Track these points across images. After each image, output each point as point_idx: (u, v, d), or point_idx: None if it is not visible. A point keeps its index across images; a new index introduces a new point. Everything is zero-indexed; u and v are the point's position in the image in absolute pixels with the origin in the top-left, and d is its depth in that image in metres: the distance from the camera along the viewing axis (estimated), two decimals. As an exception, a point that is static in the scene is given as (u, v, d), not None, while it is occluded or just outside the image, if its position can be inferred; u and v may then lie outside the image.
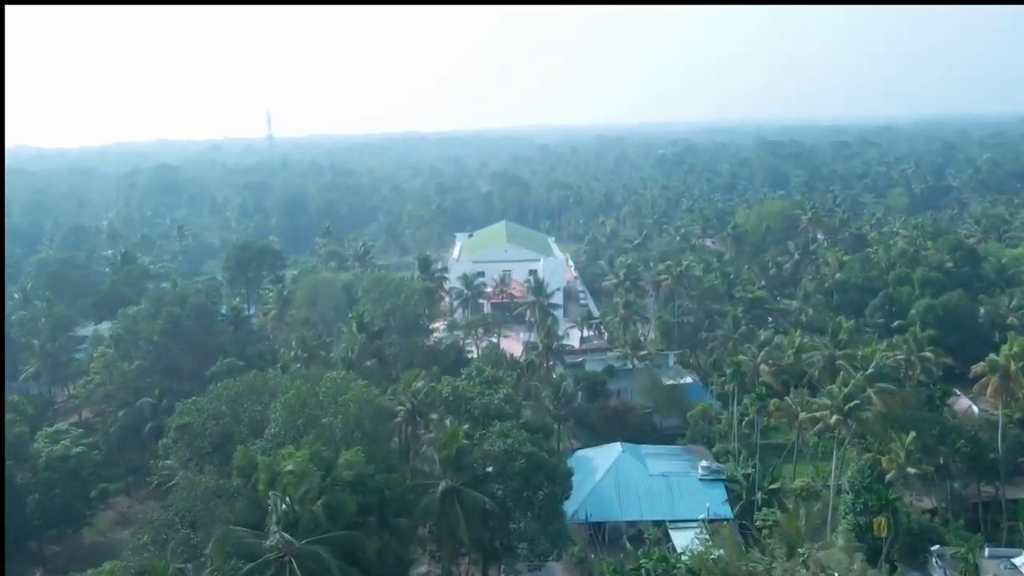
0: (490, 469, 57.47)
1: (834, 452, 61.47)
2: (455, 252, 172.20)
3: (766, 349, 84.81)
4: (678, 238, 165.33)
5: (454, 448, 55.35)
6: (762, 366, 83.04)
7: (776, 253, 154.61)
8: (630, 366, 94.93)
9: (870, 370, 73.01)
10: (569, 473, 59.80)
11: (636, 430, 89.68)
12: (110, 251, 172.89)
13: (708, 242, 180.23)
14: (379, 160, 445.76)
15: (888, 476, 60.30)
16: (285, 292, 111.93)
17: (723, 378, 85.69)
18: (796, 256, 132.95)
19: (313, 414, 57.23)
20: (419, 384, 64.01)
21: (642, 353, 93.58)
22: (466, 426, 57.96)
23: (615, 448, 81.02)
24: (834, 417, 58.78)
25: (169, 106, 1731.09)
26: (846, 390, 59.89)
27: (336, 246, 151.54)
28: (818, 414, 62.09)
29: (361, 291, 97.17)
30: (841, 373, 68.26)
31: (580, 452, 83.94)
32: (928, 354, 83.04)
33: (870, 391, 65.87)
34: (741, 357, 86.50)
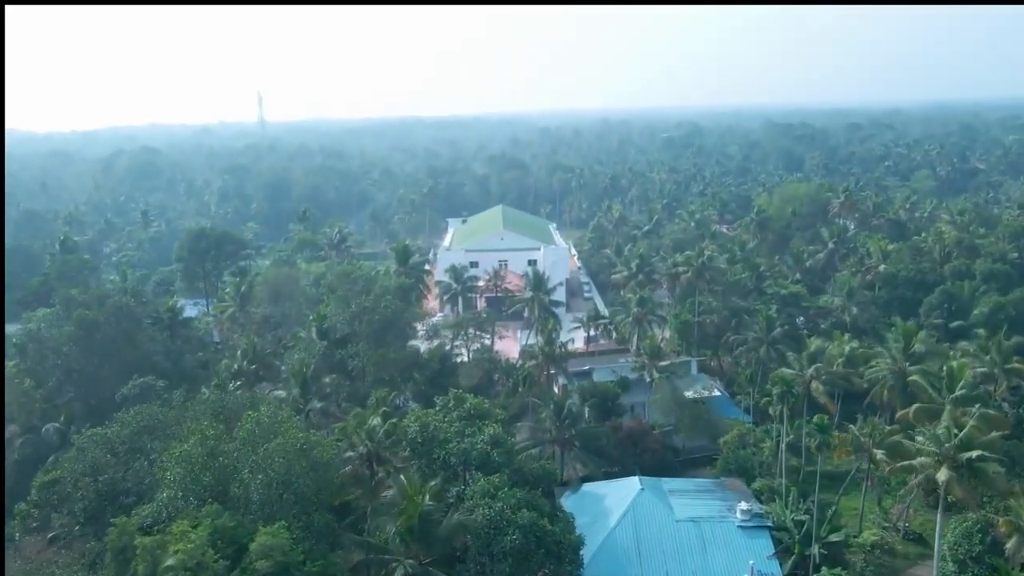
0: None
1: (938, 514, 45.77)
2: (446, 240, 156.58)
3: (818, 364, 68.84)
4: (692, 224, 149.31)
5: (416, 515, 39.89)
6: (814, 383, 67.24)
7: (802, 241, 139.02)
8: (648, 379, 79.11)
9: (958, 391, 57.46)
10: (579, 544, 44.34)
11: (655, 457, 74.35)
12: (75, 239, 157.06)
13: (723, 228, 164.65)
14: (374, 144, 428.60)
15: (1008, 545, 44.65)
16: (243, 288, 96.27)
17: (767, 398, 70.04)
18: (830, 245, 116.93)
19: (229, 467, 41.64)
20: (375, 421, 48.28)
21: (663, 364, 77.76)
22: (434, 482, 42.39)
23: (632, 485, 65.30)
24: (943, 472, 42.98)
25: (165, 91, 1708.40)
26: (960, 434, 43.93)
27: (308, 234, 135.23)
28: (916, 463, 46.11)
29: (324, 288, 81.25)
30: (949, 410, 51.99)
31: (588, 487, 68.28)
32: (1019, 366, 67.32)
33: (969, 422, 49.88)
34: (785, 371, 70.83)
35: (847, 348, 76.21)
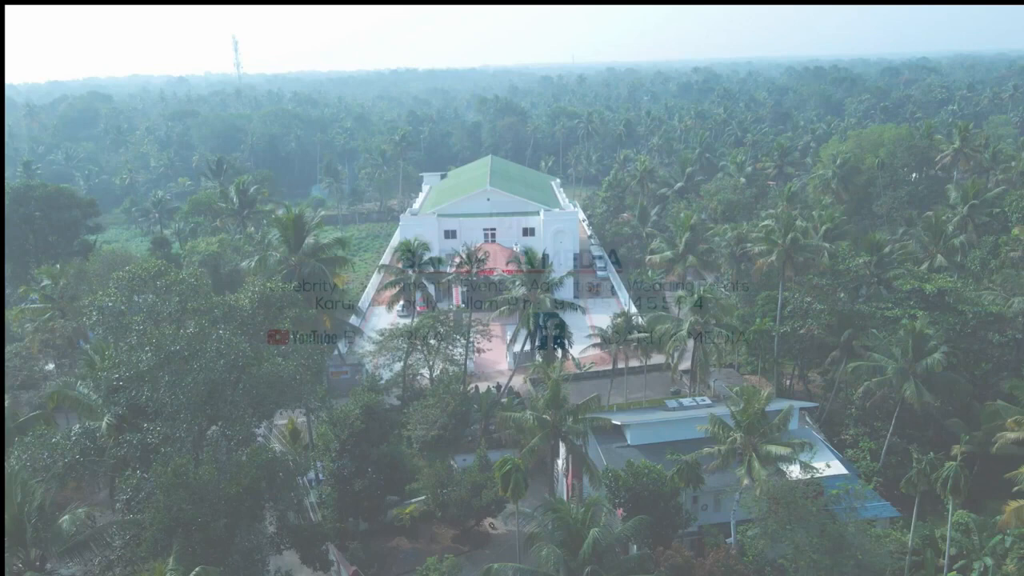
0: None
1: None
2: (416, 202, 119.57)
3: None
4: (742, 179, 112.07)
5: None
6: None
7: (892, 202, 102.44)
8: (746, 479, 42.64)
9: None
10: None
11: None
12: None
13: (770, 184, 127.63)
14: (359, 93, 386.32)
15: None
16: (62, 283, 60.12)
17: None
18: (963, 210, 79.92)
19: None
20: None
21: (778, 452, 41.37)
22: None
23: None
24: None
25: (156, 43, 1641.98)
26: None
27: (213, 194, 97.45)
28: None
29: (95, 312, 43.03)
30: None
31: None
32: None
33: None
34: None
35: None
